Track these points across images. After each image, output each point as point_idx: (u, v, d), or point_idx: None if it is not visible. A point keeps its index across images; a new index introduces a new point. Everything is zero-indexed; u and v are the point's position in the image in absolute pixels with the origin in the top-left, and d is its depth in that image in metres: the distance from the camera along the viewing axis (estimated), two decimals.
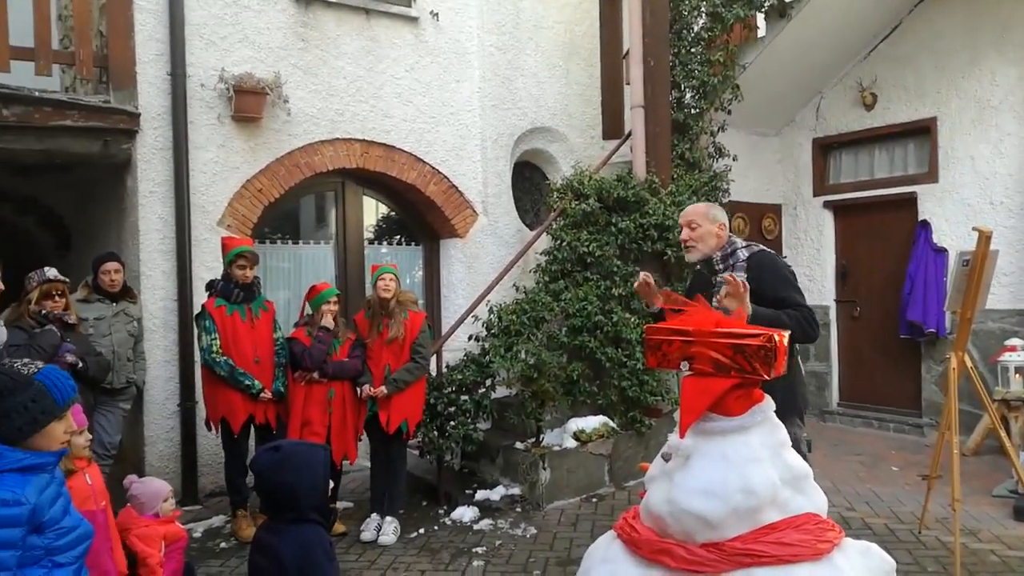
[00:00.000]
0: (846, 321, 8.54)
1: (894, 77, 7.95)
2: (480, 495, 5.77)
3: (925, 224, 7.65)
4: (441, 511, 5.64)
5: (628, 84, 7.53)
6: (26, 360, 2.57)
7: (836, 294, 8.62)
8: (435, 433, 5.64)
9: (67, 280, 4.78)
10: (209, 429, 5.31)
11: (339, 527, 5.13)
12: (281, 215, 6.95)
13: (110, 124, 5.69)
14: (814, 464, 2.89)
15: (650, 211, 6.62)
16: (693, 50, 7.61)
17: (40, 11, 5.49)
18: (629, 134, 7.42)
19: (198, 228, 6.06)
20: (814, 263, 8.73)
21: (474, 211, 7.56)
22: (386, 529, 5.11)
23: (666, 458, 2.77)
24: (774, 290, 3.42)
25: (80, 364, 4.61)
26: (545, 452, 5.78)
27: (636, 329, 6.10)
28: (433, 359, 5.82)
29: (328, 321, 5.14)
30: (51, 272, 4.69)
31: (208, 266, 5.96)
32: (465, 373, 5.85)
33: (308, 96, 6.60)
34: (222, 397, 5.05)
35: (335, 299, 5.25)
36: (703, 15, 7.64)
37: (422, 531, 5.26)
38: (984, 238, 4.41)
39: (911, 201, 7.86)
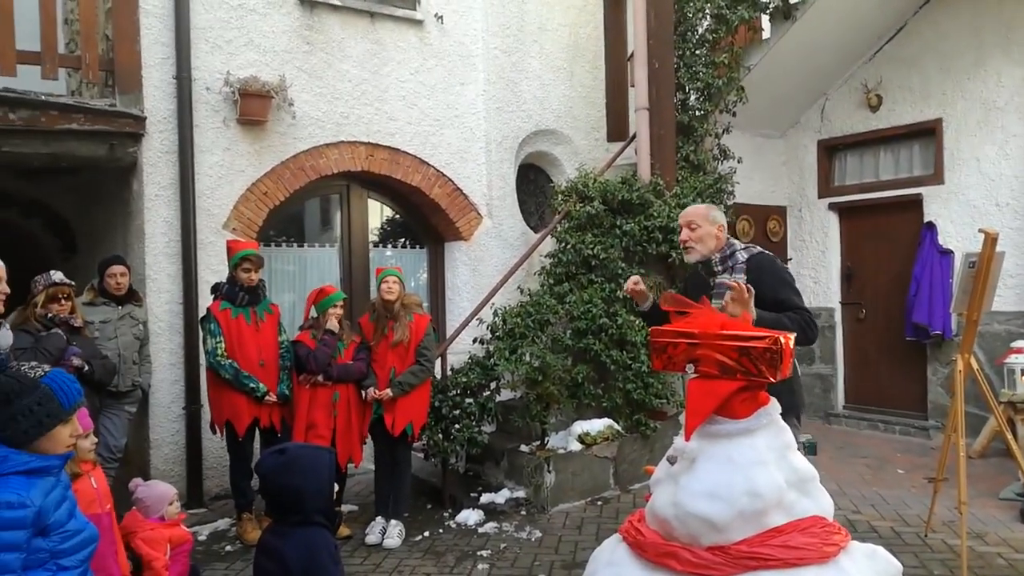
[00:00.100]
0: (851, 323, 8.52)
1: (899, 78, 7.94)
2: (485, 498, 5.77)
3: (931, 226, 7.64)
4: (446, 514, 5.64)
5: (632, 86, 7.53)
6: (33, 363, 2.57)
7: (841, 296, 8.60)
8: (440, 436, 5.64)
9: (73, 283, 4.79)
10: (214, 432, 5.32)
11: (344, 530, 5.13)
12: (286, 218, 6.96)
13: (116, 128, 5.71)
14: (820, 467, 2.87)
15: (655, 213, 6.61)
16: (698, 52, 7.61)
17: (46, 15, 5.51)
18: (634, 136, 7.41)
19: (203, 231, 6.07)
20: (819, 265, 8.71)
21: (478, 214, 7.57)
22: (391, 532, 5.11)
23: (672, 461, 2.76)
24: (774, 292, 3.42)
25: (86, 367, 4.62)
26: (550, 455, 5.77)
27: (641, 331, 6.09)
28: (438, 362, 5.81)
29: (334, 324, 5.15)
30: (57, 275, 4.70)
31: (213, 269, 5.97)
32: (470, 376, 5.85)
33: (313, 99, 6.61)
34: (227, 400, 5.06)
35: (341, 303, 5.26)
36: (708, 17, 7.63)
37: (427, 534, 5.26)
38: (990, 240, 4.39)
39: (916, 203, 7.84)
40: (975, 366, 4.63)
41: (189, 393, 5.95)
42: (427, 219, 7.65)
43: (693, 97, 7.67)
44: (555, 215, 7.13)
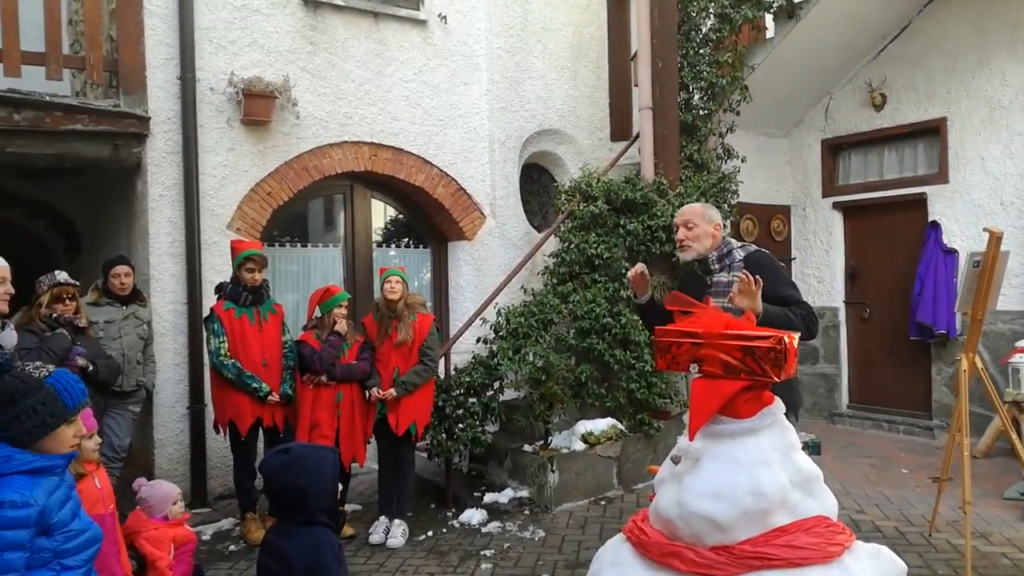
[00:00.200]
0: (856, 323, 8.51)
1: (903, 77, 7.92)
2: (488, 498, 5.77)
3: (935, 225, 7.62)
4: (449, 514, 5.64)
5: (636, 86, 7.53)
6: (37, 363, 2.58)
7: (845, 295, 8.59)
8: (443, 435, 5.64)
9: (77, 284, 4.80)
10: (217, 432, 5.34)
11: (347, 530, 5.14)
12: (290, 218, 6.97)
13: (120, 128, 5.72)
14: (824, 466, 2.87)
15: (658, 213, 6.60)
16: (701, 51, 7.60)
17: (51, 16, 5.52)
18: (637, 136, 7.40)
19: (207, 231, 6.08)
20: (823, 264, 8.70)
21: (482, 213, 7.57)
22: (394, 532, 5.11)
23: (675, 461, 2.76)
24: (774, 289, 3.43)
25: (90, 367, 4.63)
26: (553, 455, 5.77)
27: (644, 331, 6.08)
28: (441, 361, 5.82)
29: (341, 326, 5.16)
30: (61, 276, 4.70)
31: (217, 269, 5.98)
32: (473, 375, 5.85)
33: (317, 99, 6.62)
34: (230, 400, 5.07)
35: (346, 303, 5.27)
36: (711, 16, 7.62)
37: (430, 534, 5.26)
38: (995, 239, 4.38)
39: (921, 202, 7.82)
40: (979, 365, 4.62)
41: (193, 393, 5.96)
42: (431, 219, 7.65)
43: (697, 96, 7.67)
44: (558, 215, 7.13)
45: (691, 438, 2.67)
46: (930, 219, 7.69)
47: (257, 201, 6.34)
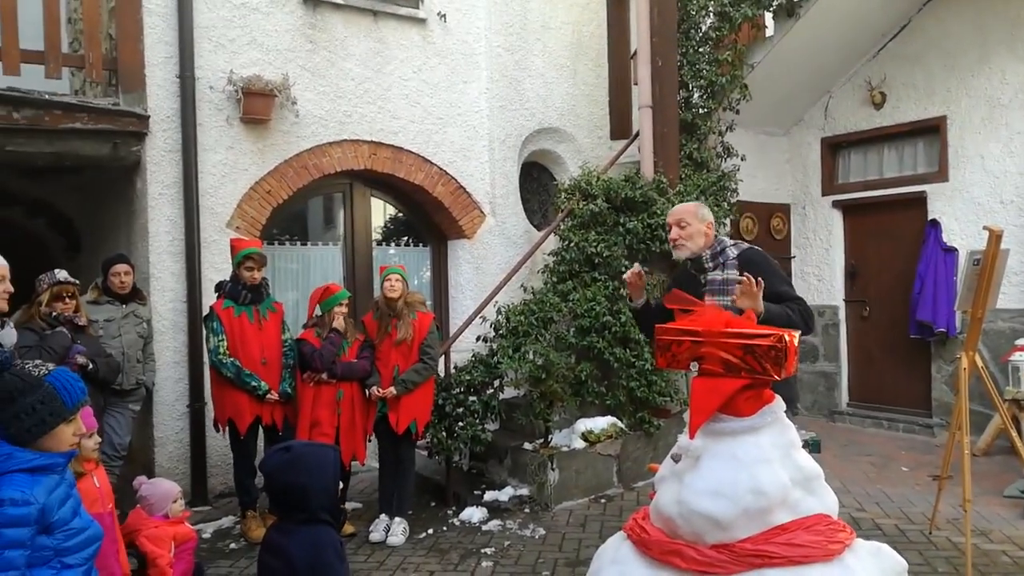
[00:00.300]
0: (855, 321, 8.51)
1: (903, 76, 7.92)
2: (489, 496, 5.77)
3: (935, 223, 7.62)
4: (450, 512, 5.64)
5: (636, 84, 7.53)
6: (37, 361, 2.58)
7: (845, 294, 8.59)
8: (443, 434, 5.64)
9: (77, 282, 4.80)
10: (217, 430, 5.34)
11: (348, 528, 5.14)
12: (289, 216, 6.97)
13: (119, 127, 5.72)
14: (824, 464, 2.87)
15: (658, 211, 6.60)
16: (701, 50, 7.60)
17: (50, 14, 5.51)
18: (637, 134, 7.40)
19: (207, 230, 6.08)
20: (823, 263, 8.70)
21: (482, 212, 7.56)
22: (395, 530, 5.11)
23: (676, 459, 2.76)
24: (770, 286, 3.43)
25: (90, 366, 4.63)
26: (553, 453, 5.77)
27: None
28: (441, 360, 5.82)
29: (341, 324, 5.16)
30: (61, 274, 4.70)
31: (217, 267, 5.98)
32: (473, 374, 5.85)
33: (316, 98, 6.61)
34: (229, 398, 5.07)
35: (346, 301, 5.26)
36: (711, 14, 7.62)
37: (431, 532, 5.27)
38: (995, 237, 4.39)
39: (921, 200, 7.82)
40: (979, 363, 4.62)
41: (193, 391, 5.96)
42: (430, 217, 7.65)
43: (696, 95, 7.67)
44: (558, 213, 7.13)
45: (691, 436, 2.67)
46: (930, 217, 7.69)
47: (257, 199, 6.33)
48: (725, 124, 7.76)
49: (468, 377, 5.84)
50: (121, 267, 5.23)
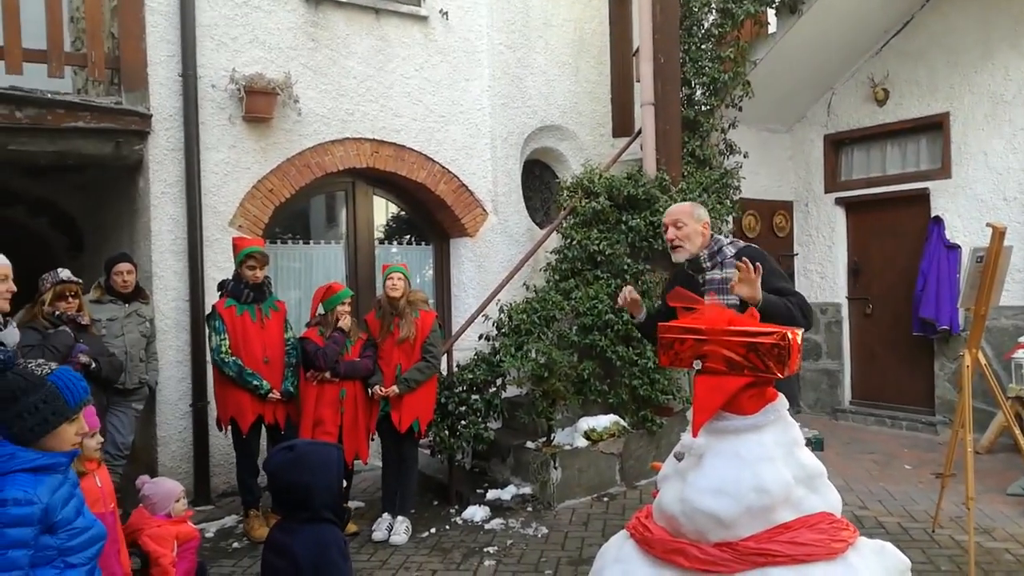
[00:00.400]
0: (858, 318, 8.50)
1: (906, 72, 7.89)
2: (491, 494, 5.77)
3: (938, 220, 7.60)
4: (452, 510, 5.64)
5: (638, 81, 7.50)
6: (40, 361, 2.58)
7: (848, 291, 8.57)
8: (446, 432, 5.64)
9: (80, 281, 4.80)
10: (220, 429, 5.34)
11: (351, 527, 5.14)
12: (292, 215, 6.97)
13: (122, 125, 5.73)
14: (827, 463, 2.87)
15: (660, 209, 6.57)
16: (703, 47, 7.58)
17: (52, 13, 5.52)
18: (639, 131, 7.39)
19: (209, 228, 6.08)
20: (826, 260, 8.68)
21: (484, 210, 7.56)
22: (398, 529, 5.12)
23: (679, 457, 2.76)
24: (768, 283, 3.43)
25: (93, 365, 4.63)
26: (556, 451, 5.77)
27: None
28: (444, 358, 5.82)
29: (346, 323, 5.16)
30: (64, 273, 4.71)
31: (220, 266, 5.98)
32: (476, 372, 5.85)
33: (318, 96, 6.61)
34: (231, 397, 5.07)
35: (349, 300, 5.26)
36: (713, 11, 7.61)
37: (433, 531, 5.27)
38: (998, 234, 4.37)
39: (924, 197, 7.81)
40: (983, 361, 4.60)
41: (196, 390, 5.97)
42: (432, 215, 7.65)
43: (699, 92, 7.65)
44: (560, 211, 7.12)
45: (694, 434, 2.67)
46: (933, 214, 7.67)
47: (259, 198, 6.33)
48: (728, 121, 7.75)
49: (471, 375, 5.84)
50: (124, 266, 5.24)
